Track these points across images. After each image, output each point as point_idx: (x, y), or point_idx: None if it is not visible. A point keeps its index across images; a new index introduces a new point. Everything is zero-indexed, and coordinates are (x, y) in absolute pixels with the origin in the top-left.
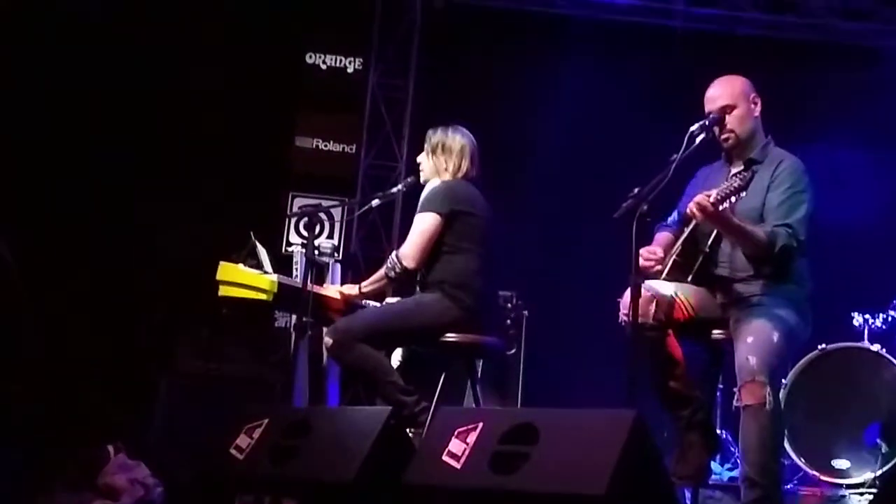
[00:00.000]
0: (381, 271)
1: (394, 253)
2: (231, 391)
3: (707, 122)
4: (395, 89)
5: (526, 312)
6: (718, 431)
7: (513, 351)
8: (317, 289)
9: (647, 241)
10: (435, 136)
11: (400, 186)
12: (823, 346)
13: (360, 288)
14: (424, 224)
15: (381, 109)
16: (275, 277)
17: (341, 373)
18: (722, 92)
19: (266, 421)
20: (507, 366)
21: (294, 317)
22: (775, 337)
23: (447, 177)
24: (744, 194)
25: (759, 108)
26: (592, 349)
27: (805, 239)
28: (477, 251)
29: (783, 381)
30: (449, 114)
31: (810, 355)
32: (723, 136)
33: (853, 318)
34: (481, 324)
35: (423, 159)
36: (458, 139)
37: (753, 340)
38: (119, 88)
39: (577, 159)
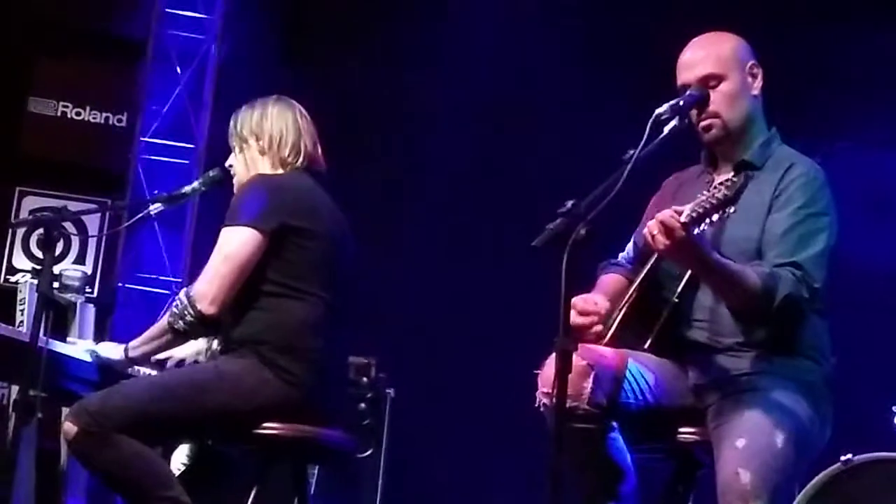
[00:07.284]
0: (164, 321)
1: (183, 291)
2: None
3: (682, 102)
4: (195, 26)
5: (391, 391)
6: None
7: (368, 452)
8: (54, 344)
9: (587, 284)
10: (240, 117)
11: (197, 183)
12: (849, 456)
13: (126, 350)
14: (233, 245)
15: (170, 56)
16: None
17: (90, 481)
18: (705, 55)
19: None
20: (358, 475)
21: (15, 388)
22: (779, 440)
23: (266, 167)
24: (732, 210)
25: (759, 84)
26: (492, 450)
27: (823, 288)
28: (318, 293)
29: None
30: (278, 74)
31: (830, 470)
32: (703, 124)
33: None
34: (320, 408)
35: (234, 160)
36: (276, 111)
37: (746, 446)
38: None
39: (480, 155)
